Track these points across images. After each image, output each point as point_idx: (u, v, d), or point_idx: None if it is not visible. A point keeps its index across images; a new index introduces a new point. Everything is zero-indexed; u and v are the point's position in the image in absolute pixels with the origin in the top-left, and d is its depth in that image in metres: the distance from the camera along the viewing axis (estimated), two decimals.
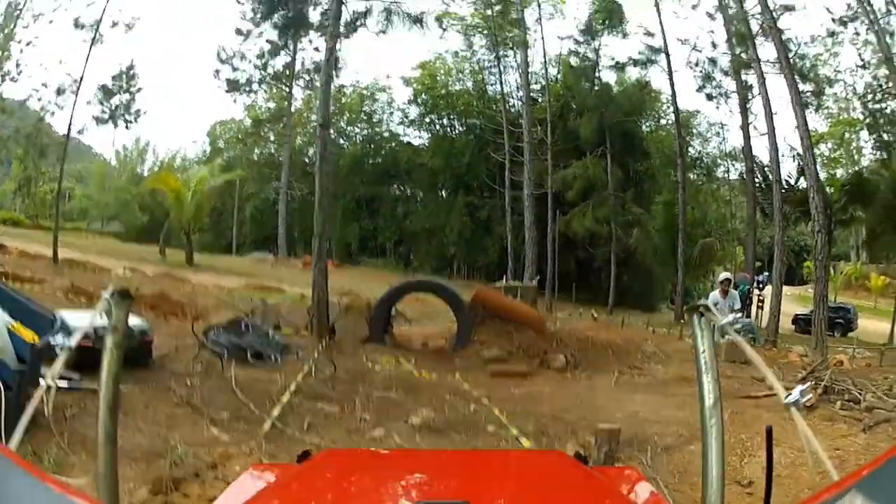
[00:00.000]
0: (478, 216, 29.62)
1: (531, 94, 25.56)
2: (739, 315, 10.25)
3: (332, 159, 33.72)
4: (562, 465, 1.75)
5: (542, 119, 24.93)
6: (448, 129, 32.47)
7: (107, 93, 29.39)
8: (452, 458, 2.25)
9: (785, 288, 18.51)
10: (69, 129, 18.00)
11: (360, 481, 1.55)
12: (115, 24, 25.88)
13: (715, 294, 9.74)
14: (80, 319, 5.75)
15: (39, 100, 24.77)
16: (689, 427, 5.46)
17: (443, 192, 32.21)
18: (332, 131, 34.42)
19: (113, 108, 30.29)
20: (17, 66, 24.60)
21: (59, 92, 24.12)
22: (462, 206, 29.91)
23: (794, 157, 19.99)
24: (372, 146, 34.07)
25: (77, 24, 22.19)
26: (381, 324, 9.93)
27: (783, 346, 12.41)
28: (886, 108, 22.17)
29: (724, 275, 11.04)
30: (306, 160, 34.88)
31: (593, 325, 11.66)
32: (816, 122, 22.43)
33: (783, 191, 19.95)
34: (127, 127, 31.39)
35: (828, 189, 17.60)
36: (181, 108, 75.50)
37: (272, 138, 35.68)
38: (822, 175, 19.86)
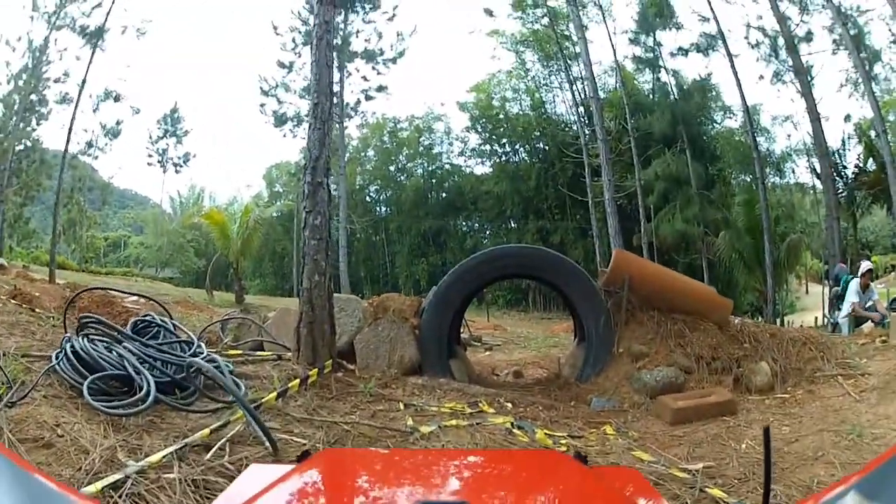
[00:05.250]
0: (550, 240, 26.58)
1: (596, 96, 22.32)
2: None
3: (393, 198, 31.89)
4: (561, 465, 1.55)
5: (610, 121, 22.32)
6: (511, 155, 30.50)
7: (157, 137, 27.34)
8: (452, 458, 1.84)
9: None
10: (66, 147, 17.93)
11: (359, 481, 1.38)
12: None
13: (856, 285, 8.37)
14: None
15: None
16: None
17: (511, 222, 29.87)
18: (391, 168, 32.22)
19: (160, 152, 28.65)
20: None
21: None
22: (534, 232, 27.23)
23: (858, 137, 20.08)
24: (434, 180, 32.17)
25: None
26: (441, 343, 5.16)
27: None
28: None
29: (865, 264, 8.89)
30: (368, 199, 33.34)
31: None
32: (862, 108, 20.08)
33: (854, 174, 19.92)
34: (177, 171, 29.84)
35: None
36: (235, 154, 75.73)
37: None
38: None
